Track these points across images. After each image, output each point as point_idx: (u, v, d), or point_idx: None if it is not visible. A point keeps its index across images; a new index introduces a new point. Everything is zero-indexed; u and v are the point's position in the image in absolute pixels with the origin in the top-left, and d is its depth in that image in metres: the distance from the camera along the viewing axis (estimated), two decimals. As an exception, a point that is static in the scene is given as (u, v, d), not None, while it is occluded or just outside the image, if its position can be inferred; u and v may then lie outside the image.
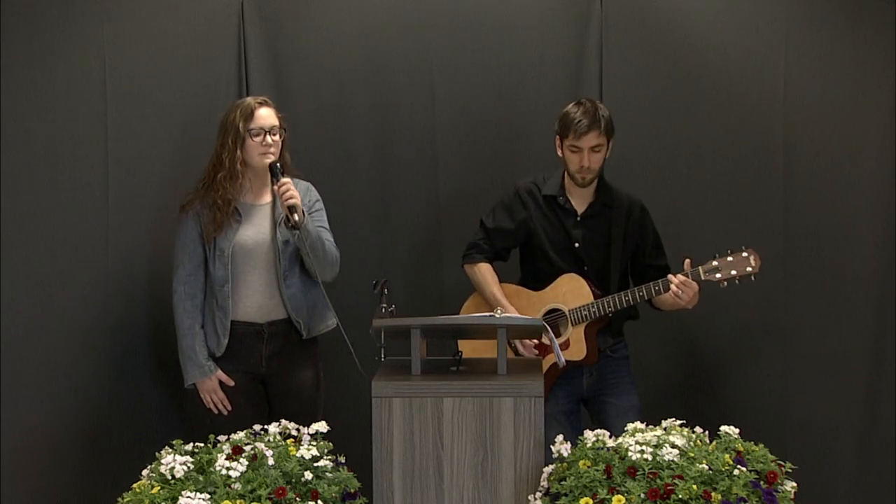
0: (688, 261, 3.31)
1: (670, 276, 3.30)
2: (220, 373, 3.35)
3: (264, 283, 3.34)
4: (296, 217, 3.23)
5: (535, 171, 3.57)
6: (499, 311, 3.02)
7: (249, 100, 3.34)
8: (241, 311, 3.33)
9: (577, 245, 3.44)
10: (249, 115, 3.29)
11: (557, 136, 3.41)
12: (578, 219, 3.45)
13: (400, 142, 3.87)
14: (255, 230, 3.35)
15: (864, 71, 3.69)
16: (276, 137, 3.32)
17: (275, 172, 3.29)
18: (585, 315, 3.38)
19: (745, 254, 3.30)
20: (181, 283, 3.34)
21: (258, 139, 3.30)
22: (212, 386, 3.35)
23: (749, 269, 3.29)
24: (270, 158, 3.31)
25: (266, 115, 3.32)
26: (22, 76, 3.40)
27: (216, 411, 3.35)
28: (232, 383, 3.35)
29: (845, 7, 3.70)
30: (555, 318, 3.42)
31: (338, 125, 3.80)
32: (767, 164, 3.76)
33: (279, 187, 3.27)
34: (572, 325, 3.39)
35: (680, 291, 3.27)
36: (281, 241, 3.33)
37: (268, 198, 3.39)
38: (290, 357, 3.40)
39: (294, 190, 3.26)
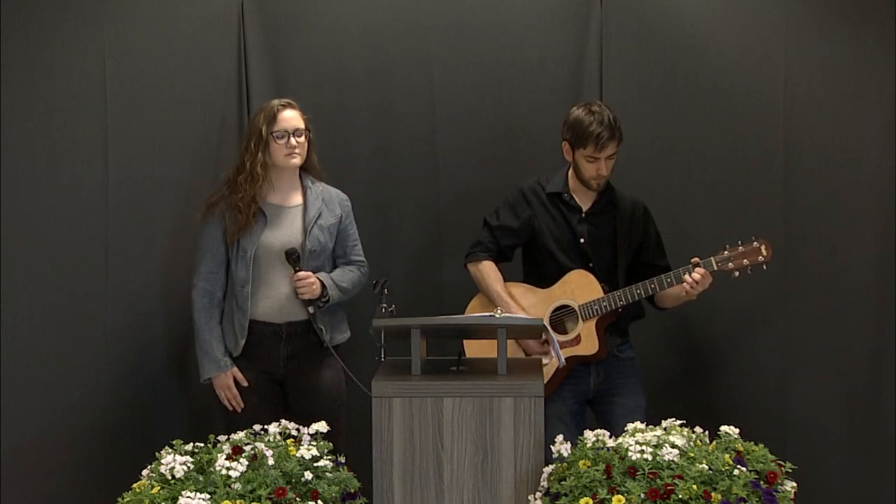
0: (696, 259, 3.32)
1: (692, 272, 3.30)
2: (235, 370, 3.35)
3: (286, 285, 3.35)
4: (310, 310, 3.32)
5: (536, 171, 3.57)
6: (499, 311, 3.02)
7: (274, 102, 3.35)
8: (260, 311, 3.34)
9: (582, 241, 3.44)
10: (272, 117, 3.31)
11: (567, 143, 3.41)
12: (583, 215, 3.46)
13: (400, 142, 3.87)
14: (283, 232, 3.36)
15: (864, 71, 3.68)
16: (301, 139, 3.34)
17: (292, 261, 3.32)
18: (596, 310, 3.38)
19: (755, 243, 3.31)
20: (201, 279, 3.35)
21: (282, 141, 3.32)
22: (226, 382, 3.35)
23: (761, 258, 3.31)
24: (296, 160, 3.34)
25: (290, 117, 3.33)
26: (22, 76, 3.40)
27: (230, 408, 3.36)
28: (246, 383, 3.35)
29: (845, 7, 3.70)
30: (563, 315, 3.42)
31: (338, 125, 3.80)
32: (767, 163, 3.76)
33: (296, 281, 3.31)
34: (583, 320, 3.39)
35: (696, 284, 3.29)
36: (309, 248, 3.35)
37: (297, 200, 3.41)
38: (310, 359, 3.41)
39: (308, 287, 3.31)
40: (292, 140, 3.32)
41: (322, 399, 3.41)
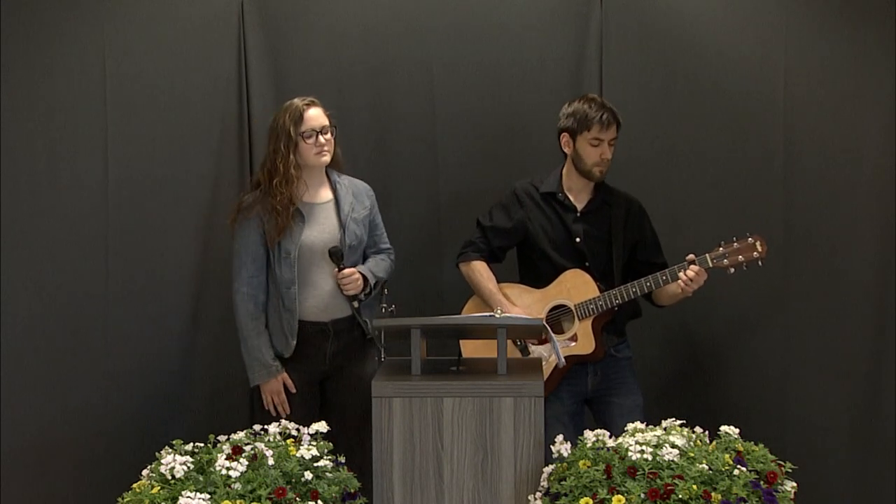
0: (692, 256, 3.32)
1: (687, 269, 3.30)
2: (285, 374, 3.34)
3: (329, 282, 3.35)
4: (355, 304, 3.33)
5: (536, 171, 3.57)
6: (499, 311, 3.02)
7: (297, 102, 3.33)
8: (306, 310, 3.34)
9: (578, 240, 3.44)
10: (299, 117, 3.30)
11: (567, 133, 3.41)
12: (578, 214, 3.46)
13: (400, 142, 3.87)
14: (321, 230, 3.36)
15: (864, 71, 3.68)
16: (329, 136, 3.35)
17: (336, 259, 3.32)
18: (592, 309, 3.38)
19: (750, 240, 3.32)
20: (244, 283, 3.33)
21: (311, 141, 3.31)
22: (276, 387, 3.34)
23: (756, 254, 3.31)
24: (326, 157, 3.34)
25: (315, 116, 3.33)
26: (22, 76, 3.40)
27: (275, 413, 3.35)
28: (294, 390, 3.35)
29: (845, 7, 3.70)
30: (560, 315, 3.42)
31: (338, 125, 3.79)
32: (767, 163, 3.76)
33: (341, 278, 3.32)
34: (579, 319, 3.39)
35: (691, 282, 3.29)
36: (349, 243, 3.35)
37: (327, 195, 3.41)
38: (353, 353, 3.41)
39: (354, 283, 3.32)
40: (321, 138, 3.32)
41: (363, 392, 3.39)
